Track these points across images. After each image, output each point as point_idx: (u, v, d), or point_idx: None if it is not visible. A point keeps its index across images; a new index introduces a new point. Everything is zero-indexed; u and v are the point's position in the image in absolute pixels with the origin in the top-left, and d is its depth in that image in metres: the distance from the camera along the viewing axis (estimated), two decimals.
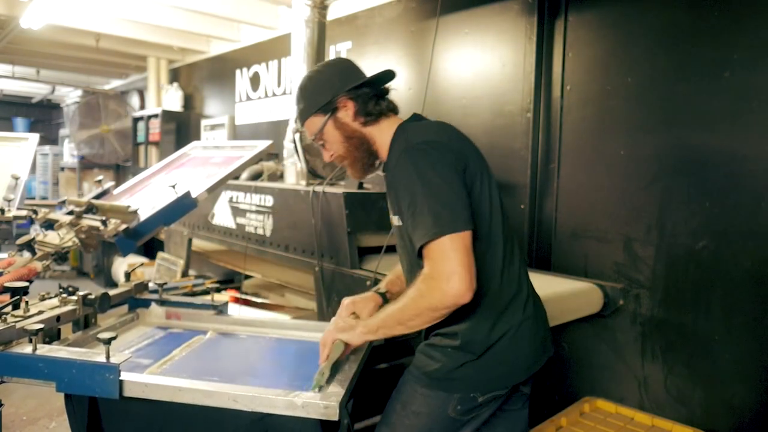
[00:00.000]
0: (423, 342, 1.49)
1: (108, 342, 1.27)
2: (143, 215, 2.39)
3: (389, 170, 1.47)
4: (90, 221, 2.14)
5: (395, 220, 1.47)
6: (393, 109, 1.57)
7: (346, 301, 1.66)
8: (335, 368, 1.39)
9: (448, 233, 1.27)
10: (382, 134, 1.52)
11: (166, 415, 1.34)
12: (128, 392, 1.26)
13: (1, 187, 2.40)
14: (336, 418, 1.21)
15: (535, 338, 1.47)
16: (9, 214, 2.25)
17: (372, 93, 1.52)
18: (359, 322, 1.45)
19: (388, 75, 1.55)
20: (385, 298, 1.66)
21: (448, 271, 1.25)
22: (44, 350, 1.31)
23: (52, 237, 2.16)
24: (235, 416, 1.28)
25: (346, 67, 1.57)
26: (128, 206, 2.09)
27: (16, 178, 2.40)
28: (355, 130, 1.52)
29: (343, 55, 4.14)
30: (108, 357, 1.25)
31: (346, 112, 1.52)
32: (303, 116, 1.56)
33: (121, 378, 1.25)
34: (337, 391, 1.28)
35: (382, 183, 1.58)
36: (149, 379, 1.31)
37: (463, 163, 1.39)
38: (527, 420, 1.60)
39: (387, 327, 1.39)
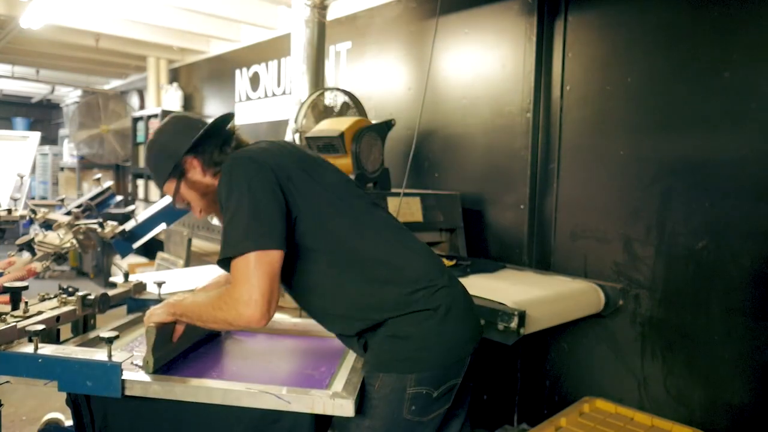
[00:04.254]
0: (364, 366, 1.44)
1: (110, 341, 1.28)
2: (141, 217, 2.39)
3: None
4: (88, 222, 2.15)
5: None
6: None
7: (198, 288, 1.71)
8: (161, 350, 1.41)
9: (253, 249, 1.27)
10: None
11: (166, 413, 1.34)
12: (130, 391, 1.26)
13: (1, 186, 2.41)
14: (351, 414, 1.23)
15: (466, 318, 1.46)
16: (15, 214, 2.26)
17: (215, 143, 1.52)
18: (168, 301, 1.47)
19: (227, 118, 1.55)
20: None
21: (247, 296, 1.26)
22: (46, 350, 1.31)
23: (52, 237, 2.16)
24: (237, 413, 1.28)
25: (182, 125, 1.56)
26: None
27: (21, 177, 2.41)
28: (208, 185, 1.53)
29: (343, 56, 4.14)
30: (110, 356, 1.26)
31: (195, 170, 1.53)
32: (159, 187, 1.58)
33: (123, 377, 1.25)
34: (349, 388, 1.31)
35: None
36: (151, 378, 1.31)
37: (284, 178, 1.38)
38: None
39: (189, 317, 1.43)
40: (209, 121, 1.56)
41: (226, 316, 1.31)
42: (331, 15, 3.65)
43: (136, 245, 2.41)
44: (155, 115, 6.27)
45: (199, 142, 1.51)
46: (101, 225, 2.19)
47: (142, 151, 6.68)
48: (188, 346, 1.62)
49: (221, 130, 1.55)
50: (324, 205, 1.42)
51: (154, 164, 1.56)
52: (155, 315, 1.44)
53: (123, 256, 2.35)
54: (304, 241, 1.39)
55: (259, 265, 1.27)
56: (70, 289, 1.71)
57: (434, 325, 1.38)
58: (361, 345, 1.46)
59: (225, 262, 1.33)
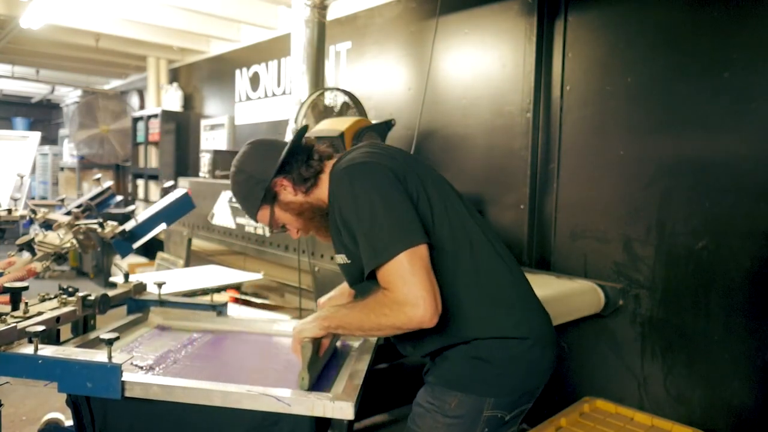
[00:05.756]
0: (430, 374, 1.43)
1: (110, 342, 1.28)
2: (141, 217, 2.39)
3: (329, 209, 1.41)
4: (88, 222, 2.15)
5: (339, 259, 1.40)
6: (328, 157, 1.51)
7: (322, 300, 1.68)
8: (314, 366, 1.38)
9: (402, 250, 1.22)
10: (326, 189, 1.45)
11: (166, 415, 1.34)
12: (130, 393, 1.26)
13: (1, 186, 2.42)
14: (352, 417, 1.22)
15: (549, 348, 1.48)
16: (16, 214, 2.26)
17: (300, 159, 1.46)
18: (317, 314, 1.42)
19: (303, 132, 1.50)
20: None
21: (414, 296, 1.21)
22: (46, 351, 1.31)
23: (52, 237, 2.16)
24: (237, 416, 1.28)
25: (264, 149, 1.51)
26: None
27: (21, 177, 2.41)
28: (302, 202, 1.48)
29: (343, 56, 4.14)
30: (110, 357, 1.26)
31: (286, 191, 1.48)
32: (251, 216, 1.53)
33: (122, 378, 1.25)
34: (350, 391, 1.30)
35: None
36: (151, 380, 1.31)
37: (401, 177, 1.35)
38: None
39: (346, 328, 1.37)
40: (284, 140, 1.51)
41: (394, 321, 1.25)
42: (331, 15, 3.65)
43: (136, 245, 2.40)
44: (155, 115, 6.27)
45: (285, 162, 1.45)
46: (101, 225, 2.19)
47: (142, 151, 6.68)
48: (327, 360, 1.58)
49: (300, 145, 1.50)
50: (433, 208, 1.37)
51: (244, 194, 1.50)
52: (307, 330, 1.37)
53: (123, 256, 2.34)
54: None
55: (414, 263, 1.22)
56: (70, 290, 1.71)
57: (520, 353, 1.37)
58: (431, 354, 1.44)
59: (370, 272, 1.29)
